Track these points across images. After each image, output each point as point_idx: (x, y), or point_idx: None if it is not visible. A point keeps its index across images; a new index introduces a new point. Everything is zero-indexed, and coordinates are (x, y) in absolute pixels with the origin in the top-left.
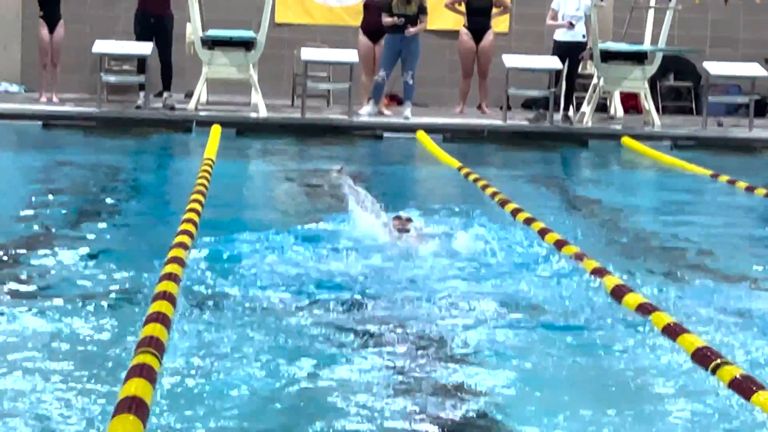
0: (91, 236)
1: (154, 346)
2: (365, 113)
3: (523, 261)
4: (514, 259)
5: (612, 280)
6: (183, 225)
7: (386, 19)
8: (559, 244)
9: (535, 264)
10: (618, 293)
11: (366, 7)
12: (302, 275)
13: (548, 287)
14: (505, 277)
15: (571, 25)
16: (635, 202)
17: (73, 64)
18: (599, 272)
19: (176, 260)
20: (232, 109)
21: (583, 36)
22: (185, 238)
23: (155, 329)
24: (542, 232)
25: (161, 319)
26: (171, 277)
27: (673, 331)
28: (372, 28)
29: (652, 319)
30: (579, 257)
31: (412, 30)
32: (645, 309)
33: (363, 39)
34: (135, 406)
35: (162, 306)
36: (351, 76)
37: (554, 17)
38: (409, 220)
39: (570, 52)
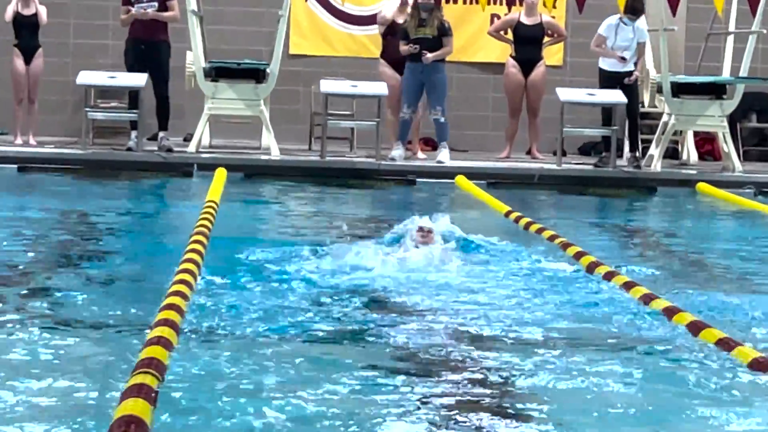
0: (80, 282)
1: (155, 367)
2: (396, 156)
3: (583, 293)
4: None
5: (685, 316)
6: (184, 264)
7: (402, 48)
8: (628, 286)
9: (595, 298)
10: (694, 328)
11: (388, 34)
12: (313, 304)
13: (611, 322)
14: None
15: (623, 60)
16: (714, 249)
17: (53, 102)
18: (671, 311)
19: (178, 293)
20: (239, 152)
21: (635, 64)
22: (186, 276)
23: (156, 351)
24: (608, 276)
25: (162, 342)
26: (173, 307)
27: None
28: (398, 58)
29: (736, 353)
30: (649, 298)
31: (429, 56)
32: (726, 344)
33: (387, 70)
34: (133, 426)
35: (164, 331)
36: (379, 112)
37: (600, 45)
38: (431, 231)
39: (621, 82)
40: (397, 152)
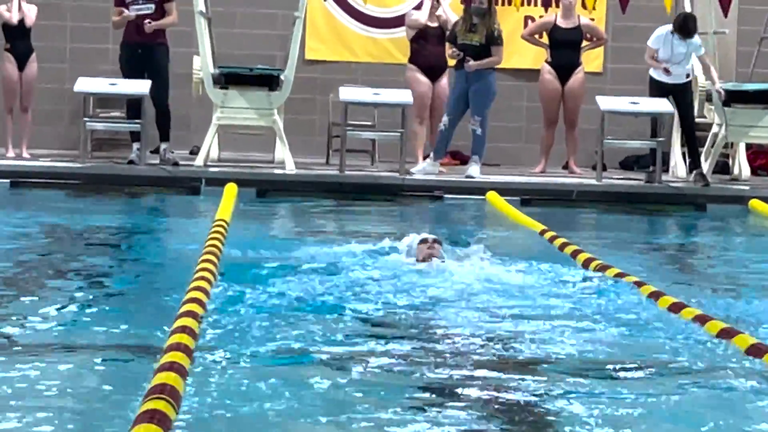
0: (83, 305)
1: (168, 393)
2: (420, 172)
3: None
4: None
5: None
6: (194, 285)
7: (447, 52)
8: (677, 308)
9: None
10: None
11: (419, 37)
12: (330, 325)
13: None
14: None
15: (667, 72)
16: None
17: (48, 112)
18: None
19: (190, 314)
20: (251, 166)
21: (687, 76)
22: (199, 294)
23: (169, 377)
24: (654, 295)
25: (176, 368)
26: (185, 329)
27: None
28: (428, 63)
29: None
30: (701, 319)
31: (471, 64)
32: None
33: (417, 76)
34: None
35: (176, 356)
36: (403, 122)
37: (652, 56)
38: (436, 241)
39: (674, 94)
40: (423, 167)
